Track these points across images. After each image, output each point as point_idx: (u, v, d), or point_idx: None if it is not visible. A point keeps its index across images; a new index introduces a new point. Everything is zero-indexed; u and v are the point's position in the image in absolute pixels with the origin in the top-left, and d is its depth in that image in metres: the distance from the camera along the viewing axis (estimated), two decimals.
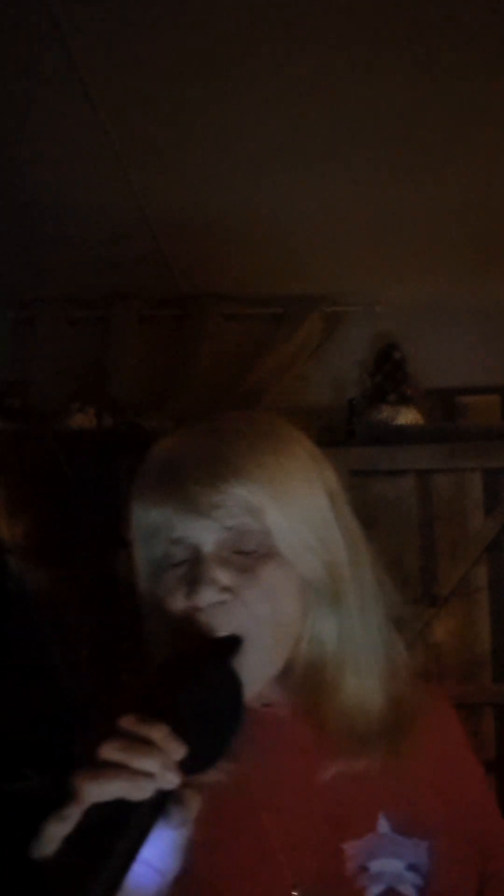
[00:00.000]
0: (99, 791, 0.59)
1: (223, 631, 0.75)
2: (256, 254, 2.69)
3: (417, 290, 2.96)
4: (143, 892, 0.64)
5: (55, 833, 0.58)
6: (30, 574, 2.50)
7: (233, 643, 0.75)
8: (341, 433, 2.74)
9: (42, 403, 2.94)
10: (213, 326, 3.05)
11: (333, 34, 1.60)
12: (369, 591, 0.85)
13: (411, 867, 0.80)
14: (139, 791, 0.60)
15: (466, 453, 2.70)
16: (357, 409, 2.81)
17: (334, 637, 0.82)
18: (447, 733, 0.92)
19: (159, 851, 0.65)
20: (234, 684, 0.71)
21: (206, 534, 0.76)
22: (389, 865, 0.79)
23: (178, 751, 0.63)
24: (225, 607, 0.75)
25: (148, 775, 0.61)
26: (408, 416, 2.85)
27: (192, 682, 0.69)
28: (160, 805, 0.63)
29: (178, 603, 0.76)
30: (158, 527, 0.78)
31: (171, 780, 0.62)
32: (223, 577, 0.75)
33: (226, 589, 0.75)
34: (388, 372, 2.92)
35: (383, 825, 0.80)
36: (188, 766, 0.64)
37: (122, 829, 0.59)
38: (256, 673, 0.76)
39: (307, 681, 0.81)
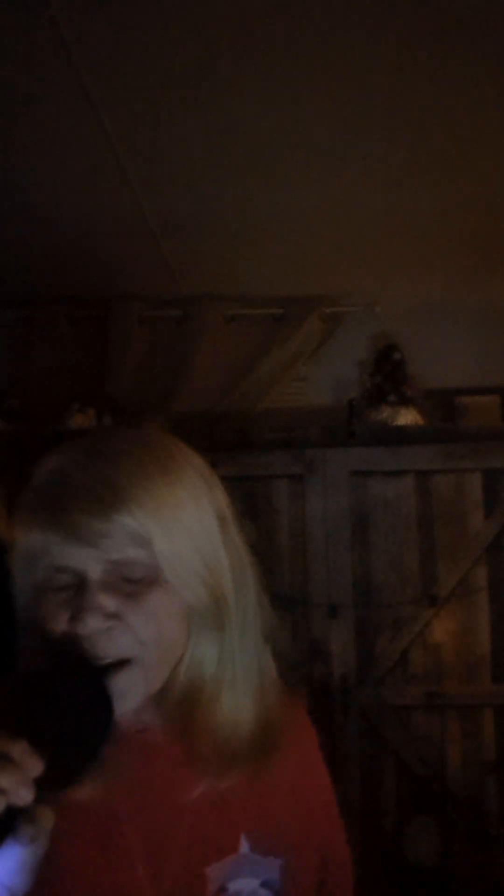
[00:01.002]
0: None
1: (108, 656, 0.73)
2: (256, 254, 2.69)
3: (417, 290, 2.97)
4: None
5: None
6: None
7: (112, 667, 0.73)
8: (341, 434, 2.74)
9: (42, 404, 2.94)
10: (212, 327, 3.05)
11: (333, 35, 1.60)
12: (250, 612, 0.84)
13: (265, 884, 0.82)
14: None
15: (466, 454, 2.70)
16: (357, 410, 2.81)
17: (214, 659, 0.81)
18: (302, 747, 0.92)
19: (8, 869, 0.64)
20: (102, 702, 0.70)
21: (91, 562, 0.74)
22: (246, 884, 0.81)
23: (35, 767, 0.61)
24: (110, 634, 0.74)
25: None
26: (408, 417, 2.85)
27: (58, 697, 0.67)
28: (10, 822, 0.60)
29: (59, 628, 0.74)
30: (40, 551, 0.75)
31: (23, 796, 0.60)
32: (109, 603, 0.73)
33: (111, 616, 0.74)
34: (388, 372, 2.92)
35: (244, 845, 0.82)
36: (46, 784, 0.62)
37: None
38: (135, 693, 0.75)
39: (184, 701, 0.80)
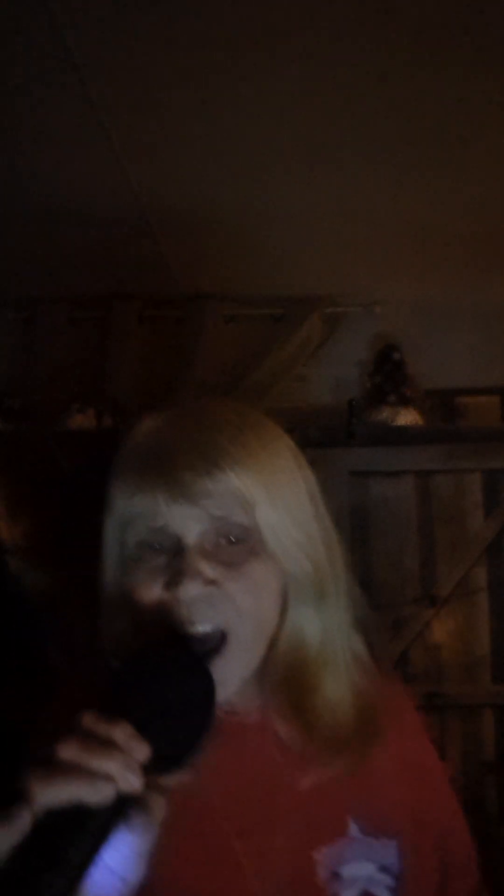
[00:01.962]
0: (53, 794, 0.55)
1: (205, 625, 0.71)
2: (256, 254, 2.69)
3: (417, 290, 2.96)
4: None
5: (2, 840, 0.53)
6: (30, 574, 2.50)
7: (210, 640, 0.71)
8: (341, 434, 2.74)
9: (42, 403, 2.94)
10: (212, 327, 3.05)
11: (333, 35, 1.60)
12: (345, 591, 0.82)
13: (383, 868, 0.79)
14: (97, 794, 0.56)
15: (466, 454, 2.70)
16: (357, 410, 2.81)
17: (317, 635, 0.78)
18: (409, 731, 0.90)
19: (122, 857, 0.61)
20: (205, 682, 0.67)
21: (191, 522, 0.72)
22: (362, 869, 0.78)
23: (142, 751, 0.59)
24: (208, 600, 0.71)
25: (107, 777, 0.57)
26: (407, 417, 2.85)
27: (161, 678, 0.65)
28: (120, 810, 0.58)
29: (153, 594, 0.72)
30: (140, 513, 0.73)
31: (132, 782, 0.58)
32: (208, 569, 0.71)
33: (210, 582, 0.71)
34: (388, 373, 2.92)
35: (353, 829, 0.79)
36: (153, 768, 0.60)
37: (76, 836, 0.55)
38: (235, 671, 0.73)
39: (286, 682, 0.78)
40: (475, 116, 1.90)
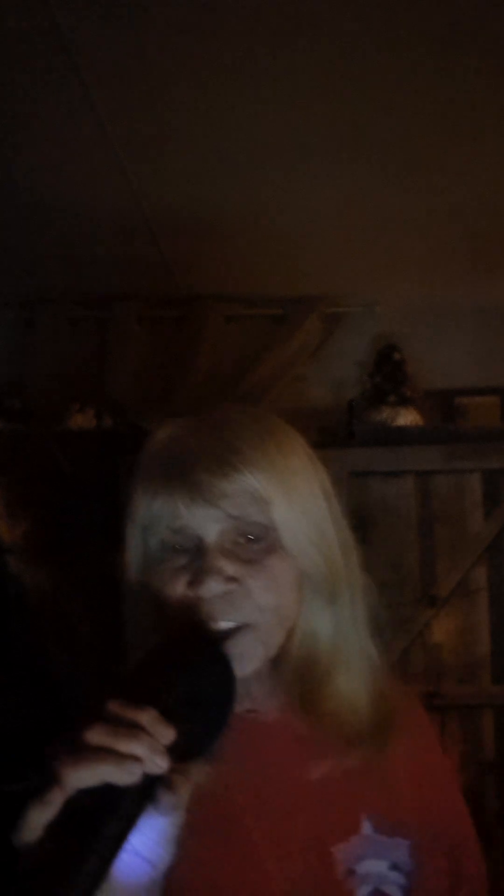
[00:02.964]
0: (84, 774, 0.58)
1: (227, 621, 0.74)
2: (256, 254, 2.69)
3: (417, 291, 2.97)
4: (133, 883, 0.62)
5: (37, 820, 0.56)
6: (30, 574, 2.50)
7: (230, 633, 0.74)
8: (341, 434, 2.74)
9: (42, 404, 2.94)
10: (212, 327, 3.05)
11: (334, 35, 1.60)
12: (359, 590, 0.85)
13: (394, 867, 0.81)
14: (126, 775, 0.58)
15: (466, 454, 2.70)
16: (357, 410, 2.81)
17: (329, 632, 0.81)
18: (420, 732, 0.92)
19: (149, 841, 0.63)
20: (226, 670, 0.70)
21: (210, 523, 0.75)
22: (374, 866, 0.79)
23: (167, 735, 0.61)
24: (229, 598, 0.74)
25: (135, 759, 0.59)
26: (407, 418, 2.85)
27: (183, 666, 0.67)
28: (149, 790, 0.60)
29: (176, 593, 0.75)
30: (161, 515, 0.76)
31: (159, 764, 0.60)
32: (228, 567, 0.74)
33: (231, 579, 0.74)
34: (388, 373, 2.92)
35: (367, 826, 0.81)
36: (177, 752, 0.62)
37: (108, 815, 0.57)
38: (253, 656, 0.76)
39: (300, 675, 0.80)
40: (475, 118, 1.90)
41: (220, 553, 0.74)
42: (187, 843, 0.66)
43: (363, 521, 2.72)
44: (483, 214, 2.38)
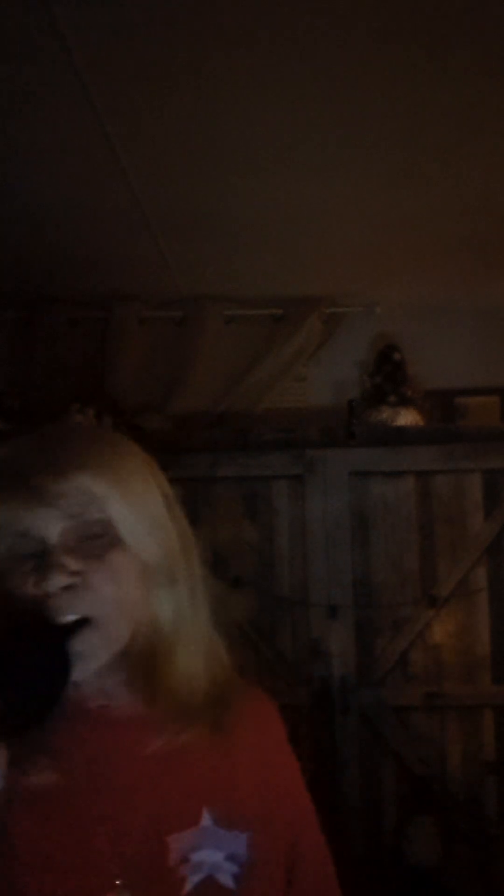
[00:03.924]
0: None
1: (72, 613, 0.78)
2: (256, 254, 2.69)
3: (417, 291, 2.97)
4: None
5: None
6: None
7: (74, 627, 0.78)
8: (341, 434, 2.74)
9: (42, 403, 2.94)
10: (212, 327, 3.05)
11: (334, 36, 1.60)
12: (198, 579, 0.91)
13: (230, 857, 0.84)
14: None
15: (466, 454, 2.70)
16: (357, 411, 2.81)
17: (169, 616, 0.87)
18: (266, 727, 0.97)
19: None
20: (59, 656, 0.74)
21: (51, 523, 0.79)
22: (210, 856, 0.83)
23: None
24: (73, 591, 0.78)
25: None
26: (407, 418, 2.85)
27: (13, 650, 0.72)
28: None
29: (27, 593, 0.78)
30: (7, 522, 0.80)
31: None
32: (71, 563, 0.78)
33: (74, 573, 0.78)
34: (388, 373, 2.92)
35: (206, 818, 0.85)
36: (2, 728, 0.68)
37: None
38: (95, 654, 0.79)
39: (143, 658, 0.85)
40: (475, 118, 1.90)
41: (62, 551, 0.78)
42: (16, 814, 0.72)
43: (363, 521, 2.72)
44: (483, 214, 2.38)
